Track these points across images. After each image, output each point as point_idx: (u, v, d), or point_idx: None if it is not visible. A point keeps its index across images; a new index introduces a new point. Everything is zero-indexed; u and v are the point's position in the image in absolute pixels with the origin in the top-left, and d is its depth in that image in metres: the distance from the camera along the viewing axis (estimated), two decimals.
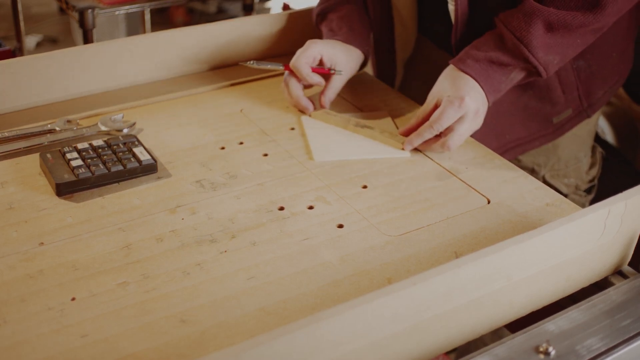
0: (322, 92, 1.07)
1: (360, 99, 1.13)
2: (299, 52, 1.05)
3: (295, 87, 1.05)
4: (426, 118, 0.97)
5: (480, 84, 0.96)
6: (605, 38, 1.12)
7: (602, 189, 1.28)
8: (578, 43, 0.99)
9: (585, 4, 0.95)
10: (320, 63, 1.05)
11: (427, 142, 0.97)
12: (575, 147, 1.23)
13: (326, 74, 1.06)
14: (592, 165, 1.28)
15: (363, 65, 1.13)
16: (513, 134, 1.16)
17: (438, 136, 0.96)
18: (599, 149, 1.30)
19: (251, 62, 1.09)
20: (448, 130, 0.95)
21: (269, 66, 1.09)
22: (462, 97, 0.93)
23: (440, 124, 0.93)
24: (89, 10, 1.70)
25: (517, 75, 0.99)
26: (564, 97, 1.14)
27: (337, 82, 1.06)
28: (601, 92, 1.18)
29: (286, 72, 1.06)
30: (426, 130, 0.95)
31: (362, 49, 1.09)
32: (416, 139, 0.96)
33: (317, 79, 1.05)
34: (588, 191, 1.28)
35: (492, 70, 0.97)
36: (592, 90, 1.17)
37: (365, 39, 1.11)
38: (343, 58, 1.06)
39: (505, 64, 0.97)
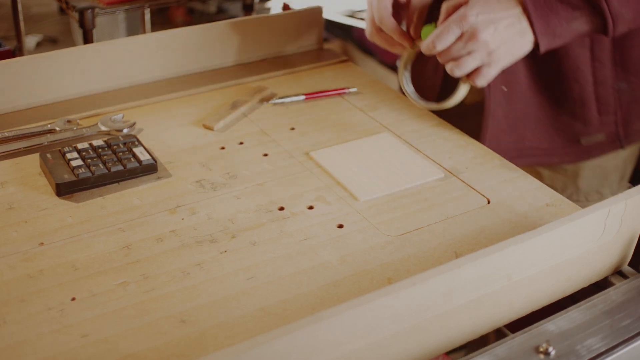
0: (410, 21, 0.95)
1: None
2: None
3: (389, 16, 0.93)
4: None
5: (532, 22, 0.86)
6: None
7: None
8: None
9: None
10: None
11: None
12: (598, 181, 1.13)
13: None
14: None
15: None
16: (534, 141, 1.08)
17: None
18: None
19: (274, 100, 1.08)
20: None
21: (289, 100, 1.09)
22: (475, 34, 0.84)
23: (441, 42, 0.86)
24: (89, 10, 1.70)
25: (581, 27, 0.87)
26: (598, 119, 1.06)
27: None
28: None
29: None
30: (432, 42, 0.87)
31: None
32: (436, 44, 0.87)
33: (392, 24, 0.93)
34: None
35: (556, 8, 0.86)
36: (631, 118, 1.08)
37: None
38: None
39: (572, 4, 0.86)
